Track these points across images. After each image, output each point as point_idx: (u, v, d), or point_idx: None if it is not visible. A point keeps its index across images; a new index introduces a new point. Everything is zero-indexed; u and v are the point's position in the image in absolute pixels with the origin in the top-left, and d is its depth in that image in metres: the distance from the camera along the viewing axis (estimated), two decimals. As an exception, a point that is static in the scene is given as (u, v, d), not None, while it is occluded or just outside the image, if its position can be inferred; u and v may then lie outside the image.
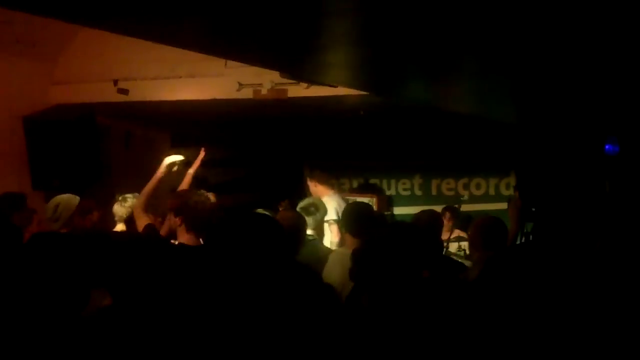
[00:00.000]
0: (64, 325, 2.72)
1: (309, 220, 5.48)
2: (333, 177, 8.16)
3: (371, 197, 9.62)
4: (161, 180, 5.26)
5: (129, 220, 5.48)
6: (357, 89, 6.26)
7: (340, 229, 6.22)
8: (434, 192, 10.52)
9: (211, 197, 6.14)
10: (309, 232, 5.42)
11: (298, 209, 5.68)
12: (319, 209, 5.82)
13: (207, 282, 3.00)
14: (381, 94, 6.37)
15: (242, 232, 2.79)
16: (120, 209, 5.64)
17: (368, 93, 6.38)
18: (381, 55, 4.06)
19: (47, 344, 2.63)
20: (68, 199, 5.60)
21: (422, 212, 5.79)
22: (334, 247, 6.10)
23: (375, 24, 3.27)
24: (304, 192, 10.70)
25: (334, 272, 4.55)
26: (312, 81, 6.31)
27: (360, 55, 4.19)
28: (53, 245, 2.88)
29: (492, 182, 10.21)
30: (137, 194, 5.42)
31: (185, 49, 4.76)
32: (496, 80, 4.88)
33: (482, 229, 4.96)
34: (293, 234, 4.62)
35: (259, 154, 10.53)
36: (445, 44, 3.65)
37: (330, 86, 6.16)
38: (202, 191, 4.86)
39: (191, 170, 5.89)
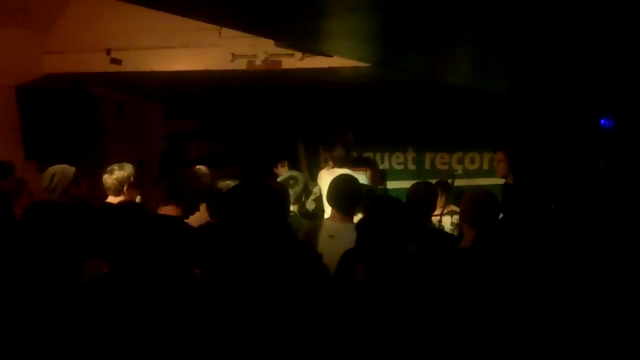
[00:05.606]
0: (63, 292, 2.72)
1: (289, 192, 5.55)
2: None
3: (365, 170, 9.59)
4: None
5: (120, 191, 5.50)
6: (356, 60, 6.20)
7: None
8: (427, 166, 10.48)
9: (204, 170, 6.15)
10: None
11: (278, 181, 5.77)
12: (298, 182, 5.93)
13: (207, 250, 3.01)
14: (380, 64, 6.30)
15: (248, 204, 2.80)
16: (108, 179, 5.60)
17: (363, 65, 6.33)
18: (384, 24, 4.01)
19: (47, 311, 2.64)
20: (63, 169, 5.57)
21: (417, 184, 5.79)
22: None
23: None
24: (297, 164, 10.69)
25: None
26: (308, 50, 6.24)
27: (365, 24, 4.13)
28: (52, 214, 2.88)
29: (487, 157, 10.17)
30: (123, 164, 5.45)
31: (185, 17, 4.69)
32: (494, 51, 4.85)
33: (474, 204, 4.88)
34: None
35: (253, 126, 10.49)
36: (445, 12, 3.62)
37: (326, 55, 6.08)
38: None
39: None
